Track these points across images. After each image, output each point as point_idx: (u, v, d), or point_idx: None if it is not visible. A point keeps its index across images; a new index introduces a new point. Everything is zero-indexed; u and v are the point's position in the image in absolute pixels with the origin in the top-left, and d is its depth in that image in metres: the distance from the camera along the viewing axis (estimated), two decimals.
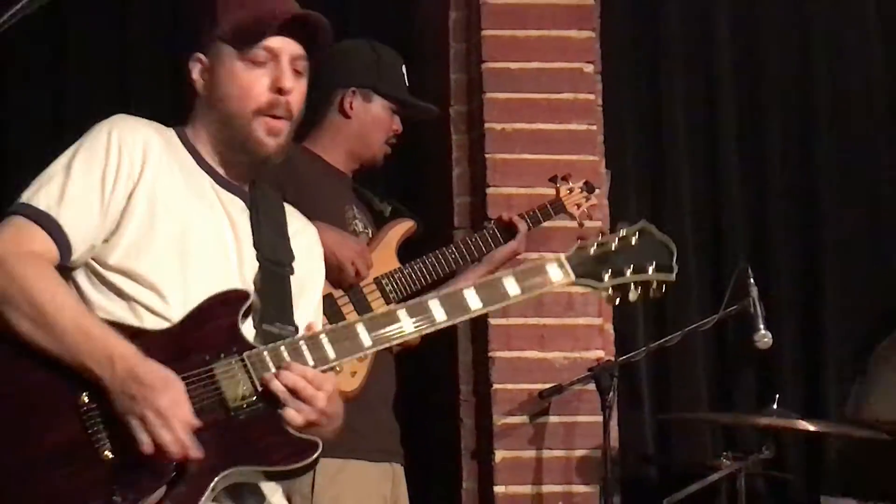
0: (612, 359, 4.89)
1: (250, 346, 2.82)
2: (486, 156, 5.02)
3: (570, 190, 4.55)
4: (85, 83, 5.41)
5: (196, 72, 2.97)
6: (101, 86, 5.40)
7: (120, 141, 2.88)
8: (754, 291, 4.70)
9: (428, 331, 2.88)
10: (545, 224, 4.51)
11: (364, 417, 3.90)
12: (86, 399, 2.73)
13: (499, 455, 4.92)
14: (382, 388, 4.15)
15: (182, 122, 3.02)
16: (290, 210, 3.11)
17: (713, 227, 5.61)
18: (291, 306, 2.97)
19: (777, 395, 4.77)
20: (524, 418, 4.94)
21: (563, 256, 2.97)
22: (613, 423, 4.75)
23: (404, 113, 4.39)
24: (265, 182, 3.09)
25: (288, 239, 3.04)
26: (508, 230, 4.37)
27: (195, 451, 2.70)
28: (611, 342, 5.08)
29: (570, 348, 4.94)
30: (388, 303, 4.13)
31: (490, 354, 4.96)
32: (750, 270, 4.73)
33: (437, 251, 4.27)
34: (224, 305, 2.84)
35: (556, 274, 2.95)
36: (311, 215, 3.92)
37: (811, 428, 4.68)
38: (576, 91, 5.06)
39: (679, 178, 5.58)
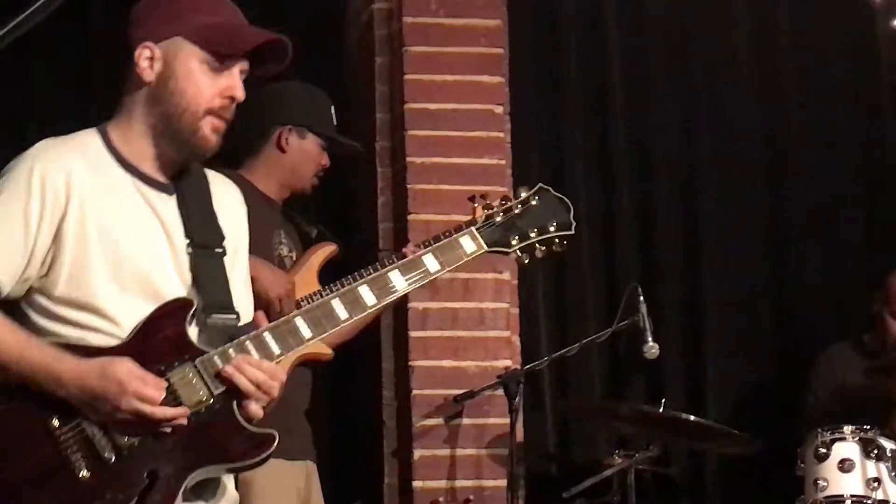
0: (519, 367, 4.99)
1: (200, 352, 2.78)
2: (408, 186, 5.14)
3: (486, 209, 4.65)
4: (49, 88, 5.37)
5: (144, 60, 2.84)
6: (65, 88, 5.37)
7: (42, 175, 2.78)
8: (643, 308, 4.79)
9: (360, 316, 2.89)
10: None
11: (280, 422, 3.75)
12: (56, 423, 2.71)
13: (417, 453, 5.04)
14: (297, 398, 4.17)
15: (110, 114, 2.91)
16: (211, 177, 2.99)
17: (607, 252, 5.79)
18: (230, 291, 2.90)
19: (663, 399, 4.93)
20: (440, 420, 5.06)
21: (474, 229, 3.04)
22: (519, 424, 4.81)
23: (332, 149, 4.49)
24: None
25: (215, 216, 2.94)
26: None
27: (185, 411, 2.71)
28: (517, 353, 5.19)
29: (481, 358, 5.07)
30: None
31: (410, 363, 5.07)
32: (639, 290, 4.83)
33: (351, 276, 4.12)
34: (170, 316, 2.79)
35: (470, 245, 3.04)
36: None
37: (692, 418, 4.83)
38: (487, 129, 5.20)
39: (577, 207, 5.15)
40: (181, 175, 2.94)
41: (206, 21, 2.86)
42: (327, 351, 4.14)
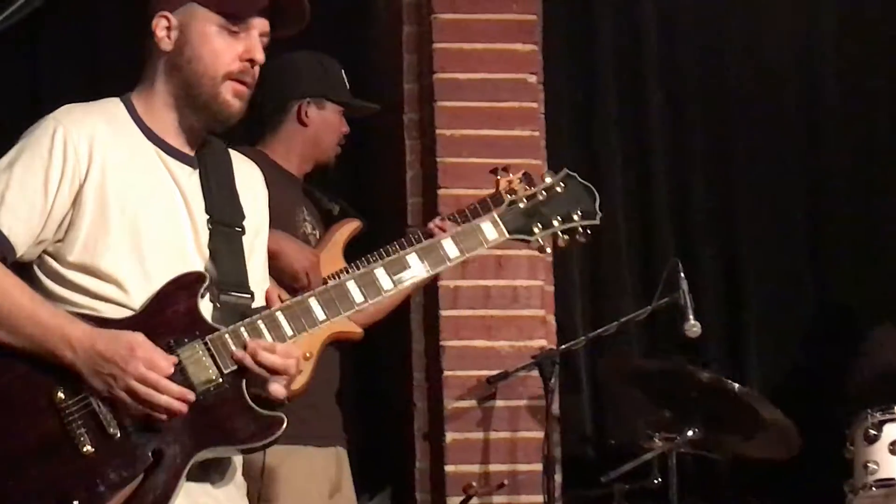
0: (554, 347, 4.95)
1: (211, 328, 2.79)
2: (437, 160, 5.11)
3: (510, 182, 4.42)
4: (59, 58, 5.32)
5: (161, 29, 2.88)
6: (74, 57, 5.33)
7: (65, 138, 2.80)
8: (684, 284, 4.72)
9: (376, 300, 2.88)
10: None
11: (309, 407, 3.96)
12: (61, 395, 2.71)
13: (449, 436, 5.01)
14: (326, 379, 4.18)
15: (132, 86, 2.95)
16: (235, 158, 3.02)
17: (644, 226, 5.72)
18: (246, 270, 2.92)
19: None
20: (473, 402, 5.02)
21: (495, 215, 3.00)
22: (555, 406, 4.81)
23: (350, 114, 4.50)
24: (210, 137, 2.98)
25: (237, 195, 2.97)
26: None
27: (191, 395, 2.71)
28: (553, 332, 5.14)
29: (515, 337, 5.03)
30: None
31: (441, 343, 5.04)
32: (680, 265, 4.76)
33: (378, 252, 4.24)
34: (182, 289, 2.80)
35: (491, 232, 2.99)
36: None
37: (736, 387, 4.68)
38: (520, 100, 5.15)
39: (612, 180, 5.66)
40: (205, 151, 2.95)
41: None
42: (357, 330, 4.15)
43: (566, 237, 3.07)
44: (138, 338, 2.73)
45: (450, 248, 2.96)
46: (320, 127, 4.43)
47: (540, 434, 4.88)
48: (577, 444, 5.44)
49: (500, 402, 5.05)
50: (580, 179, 3.10)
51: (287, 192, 4.28)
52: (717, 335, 5.66)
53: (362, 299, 2.87)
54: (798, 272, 5.90)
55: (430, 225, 4.40)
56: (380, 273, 2.89)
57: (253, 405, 2.78)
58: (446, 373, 5.06)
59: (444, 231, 4.23)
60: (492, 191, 4.51)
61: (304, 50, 4.44)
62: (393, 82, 5.29)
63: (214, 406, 2.77)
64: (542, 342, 5.06)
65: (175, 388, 2.72)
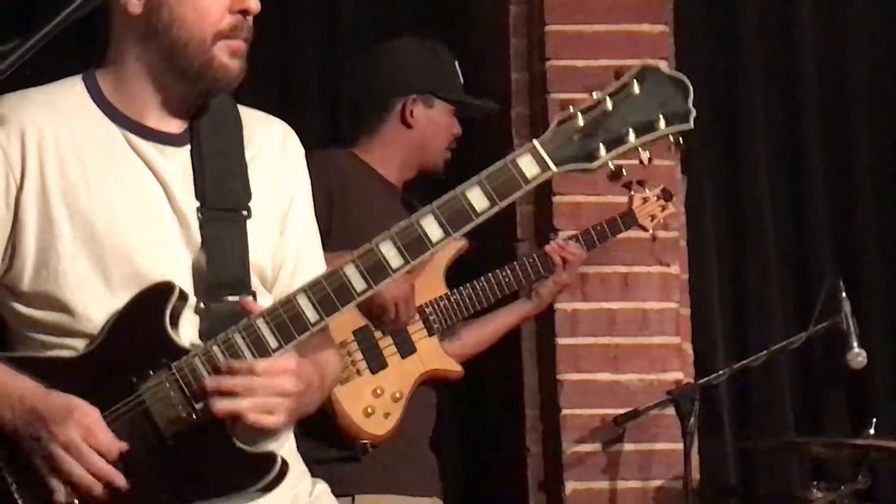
0: (692, 381, 4.75)
1: (183, 352, 2.51)
2: None
3: (645, 199, 4.41)
4: None
5: None
6: None
7: None
8: (846, 306, 4.59)
9: (385, 283, 2.52)
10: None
11: (398, 453, 3.95)
12: None
13: (569, 486, 4.81)
14: (419, 423, 4.10)
15: (99, 62, 2.70)
16: (249, 119, 2.73)
17: (798, 238, 5.46)
18: (248, 265, 2.63)
19: (874, 420, 4.60)
20: (596, 446, 4.84)
21: (537, 143, 2.49)
22: (694, 451, 4.61)
23: (462, 113, 4.32)
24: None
25: (244, 168, 2.67)
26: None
27: (120, 481, 2.44)
28: (689, 363, 4.95)
29: (645, 370, 4.84)
30: (430, 334, 4.11)
31: (558, 377, 4.84)
32: (841, 284, 4.62)
33: (486, 276, 4.22)
34: (146, 308, 2.54)
35: (531, 169, 2.48)
36: (357, 231, 3.89)
37: None
38: None
39: (759, 184, 5.43)
40: (201, 120, 2.66)
41: None
42: (455, 368, 4.16)
43: (647, 153, 2.53)
44: (79, 402, 2.48)
45: (476, 196, 2.49)
46: (427, 129, 4.24)
47: (676, 483, 4.72)
48: (719, 495, 5.21)
49: (628, 446, 4.86)
50: (665, 71, 2.58)
51: (383, 203, 4.15)
52: (885, 366, 5.31)
53: (364, 286, 2.50)
54: None
55: (550, 250, 4.28)
56: (385, 247, 2.51)
57: (238, 443, 2.50)
58: (564, 411, 4.85)
59: (566, 260, 4.21)
60: (624, 198, 4.43)
61: (412, 37, 4.34)
62: (498, 71, 5.10)
63: (189, 451, 2.50)
64: (678, 375, 4.85)
65: (102, 466, 2.44)
